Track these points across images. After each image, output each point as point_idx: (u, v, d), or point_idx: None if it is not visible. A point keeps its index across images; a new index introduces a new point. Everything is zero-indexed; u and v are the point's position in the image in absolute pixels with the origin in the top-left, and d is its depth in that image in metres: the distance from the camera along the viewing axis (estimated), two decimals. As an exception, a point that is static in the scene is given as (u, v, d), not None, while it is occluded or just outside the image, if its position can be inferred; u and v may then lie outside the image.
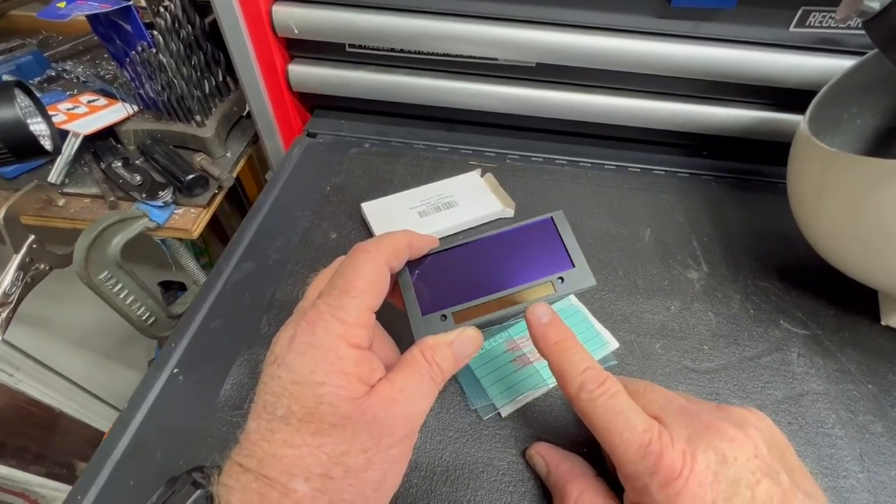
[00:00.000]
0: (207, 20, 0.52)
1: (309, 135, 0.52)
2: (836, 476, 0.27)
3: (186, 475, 0.19)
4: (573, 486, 0.23)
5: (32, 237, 0.46)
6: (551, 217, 0.26)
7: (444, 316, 0.24)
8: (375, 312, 0.21)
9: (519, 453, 0.28)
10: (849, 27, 0.40)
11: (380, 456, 0.19)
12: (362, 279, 0.20)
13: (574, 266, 0.24)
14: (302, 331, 0.19)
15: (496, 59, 0.46)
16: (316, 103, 0.55)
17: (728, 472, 0.18)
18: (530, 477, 0.27)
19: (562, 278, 0.24)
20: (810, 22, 0.40)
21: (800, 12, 0.40)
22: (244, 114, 0.60)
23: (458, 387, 0.31)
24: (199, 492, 0.18)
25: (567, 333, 0.23)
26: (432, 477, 0.27)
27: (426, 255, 0.25)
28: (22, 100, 0.35)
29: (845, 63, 0.37)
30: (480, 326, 0.24)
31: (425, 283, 0.25)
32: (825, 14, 0.40)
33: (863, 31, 0.30)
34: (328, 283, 0.21)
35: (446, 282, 0.24)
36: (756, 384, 0.31)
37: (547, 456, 0.26)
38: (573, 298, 0.35)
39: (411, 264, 0.25)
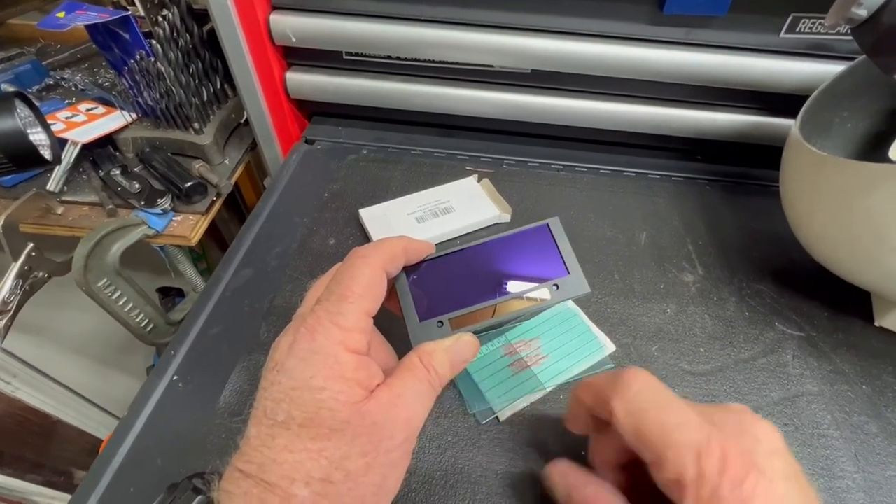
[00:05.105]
0: (205, 28, 0.53)
1: (307, 141, 0.52)
2: (831, 477, 0.28)
3: (187, 481, 0.20)
4: None
5: (31, 245, 0.46)
6: (547, 224, 0.26)
7: (441, 322, 0.24)
8: (373, 317, 0.21)
9: (517, 457, 0.28)
10: (838, 33, 0.41)
11: (379, 460, 0.19)
12: (360, 284, 0.21)
13: (569, 273, 0.25)
14: (302, 337, 0.20)
15: (492, 66, 0.47)
16: (314, 110, 0.55)
17: (784, 466, 0.18)
18: (528, 481, 0.27)
19: (556, 285, 0.24)
20: (800, 28, 0.41)
21: (790, 19, 0.40)
22: (242, 121, 0.60)
23: (456, 391, 0.31)
24: (199, 497, 0.19)
25: None
26: (430, 481, 0.27)
27: (423, 261, 0.25)
28: (22, 110, 0.35)
29: (835, 68, 0.38)
30: (476, 332, 0.24)
31: (422, 288, 0.25)
32: (815, 20, 0.40)
33: (852, 38, 0.31)
34: (326, 289, 0.21)
35: (442, 288, 0.25)
36: (752, 386, 0.32)
37: (571, 477, 0.23)
38: (570, 302, 0.36)
39: (408, 270, 0.25)
